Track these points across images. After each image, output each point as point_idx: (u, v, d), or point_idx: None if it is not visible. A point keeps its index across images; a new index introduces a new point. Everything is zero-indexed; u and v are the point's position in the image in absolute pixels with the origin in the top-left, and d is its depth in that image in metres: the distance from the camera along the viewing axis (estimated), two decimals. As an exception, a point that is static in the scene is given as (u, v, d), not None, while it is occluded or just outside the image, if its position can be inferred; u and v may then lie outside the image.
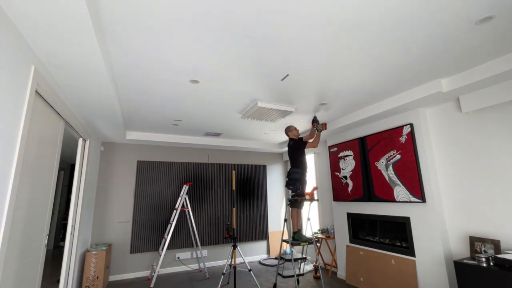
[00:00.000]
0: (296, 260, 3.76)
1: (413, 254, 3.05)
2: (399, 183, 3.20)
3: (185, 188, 4.39)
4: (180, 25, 1.70)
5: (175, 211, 4.26)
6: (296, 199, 3.49)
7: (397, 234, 3.35)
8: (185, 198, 4.38)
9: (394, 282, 3.17)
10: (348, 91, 2.88)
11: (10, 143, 1.49)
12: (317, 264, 4.54)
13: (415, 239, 3.05)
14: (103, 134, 4.02)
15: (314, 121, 3.59)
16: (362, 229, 3.85)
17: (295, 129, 3.70)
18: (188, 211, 4.46)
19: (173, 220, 4.17)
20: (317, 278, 4.07)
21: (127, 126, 4.05)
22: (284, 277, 3.48)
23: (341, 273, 4.04)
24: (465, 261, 2.42)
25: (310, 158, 5.44)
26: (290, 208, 3.66)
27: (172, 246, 4.59)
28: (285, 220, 3.68)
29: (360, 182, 3.75)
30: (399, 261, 3.18)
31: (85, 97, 2.50)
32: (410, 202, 3.07)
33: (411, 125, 3.14)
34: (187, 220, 4.72)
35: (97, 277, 3.54)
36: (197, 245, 4.65)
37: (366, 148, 3.71)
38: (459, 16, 1.69)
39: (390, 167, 3.33)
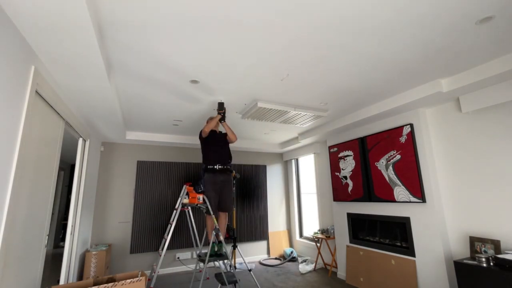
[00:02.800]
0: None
1: (413, 254, 3.05)
2: (399, 183, 3.20)
3: (185, 188, 4.38)
4: (181, 25, 1.70)
5: (175, 211, 4.24)
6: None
7: (397, 234, 3.35)
8: (185, 198, 4.37)
9: (394, 282, 3.17)
10: (348, 91, 2.88)
11: (10, 143, 1.49)
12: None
13: (415, 239, 3.05)
14: (103, 134, 4.02)
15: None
16: (362, 229, 3.85)
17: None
18: (188, 211, 4.46)
19: (173, 220, 4.16)
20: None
21: (127, 126, 4.06)
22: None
23: (341, 273, 4.04)
24: (465, 261, 2.42)
25: (310, 158, 5.45)
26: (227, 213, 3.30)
27: (172, 246, 4.59)
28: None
29: (360, 182, 3.75)
30: (399, 261, 3.18)
31: (85, 97, 2.50)
32: (410, 202, 3.07)
33: (411, 125, 3.14)
34: (187, 220, 4.72)
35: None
36: (197, 245, 4.65)
37: (366, 148, 3.71)
38: (459, 16, 1.69)
39: (390, 167, 3.33)
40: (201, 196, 3.05)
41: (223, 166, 3.18)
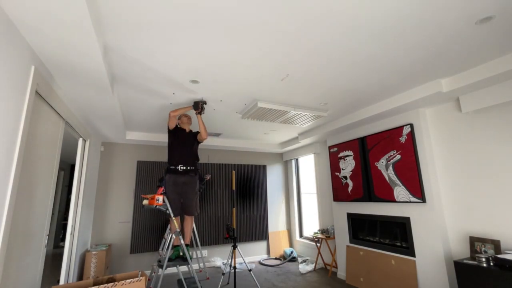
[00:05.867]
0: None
1: (413, 254, 3.05)
2: (399, 183, 3.20)
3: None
4: (181, 25, 1.70)
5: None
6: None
7: (397, 234, 3.35)
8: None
9: (394, 282, 3.17)
10: (348, 91, 2.88)
11: (10, 143, 1.49)
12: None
13: (415, 239, 3.05)
14: (103, 134, 4.02)
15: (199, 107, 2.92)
16: (362, 229, 3.85)
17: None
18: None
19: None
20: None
21: (127, 126, 4.05)
22: None
23: (341, 273, 4.04)
24: (465, 261, 2.42)
25: (310, 158, 5.45)
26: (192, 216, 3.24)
27: (172, 246, 4.57)
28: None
29: (360, 182, 3.75)
30: (399, 261, 3.18)
31: (85, 97, 2.50)
32: (410, 202, 3.07)
33: (411, 125, 3.14)
34: (187, 220, 4.71)
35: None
36: (197, 245, 4.65)
37: (366, 148, 3.71)
38: (459, 16, 1.69)
39: (390, 167, 3.33)
40: (160, 197, 2.90)
41: (186, 167, 3.07)
